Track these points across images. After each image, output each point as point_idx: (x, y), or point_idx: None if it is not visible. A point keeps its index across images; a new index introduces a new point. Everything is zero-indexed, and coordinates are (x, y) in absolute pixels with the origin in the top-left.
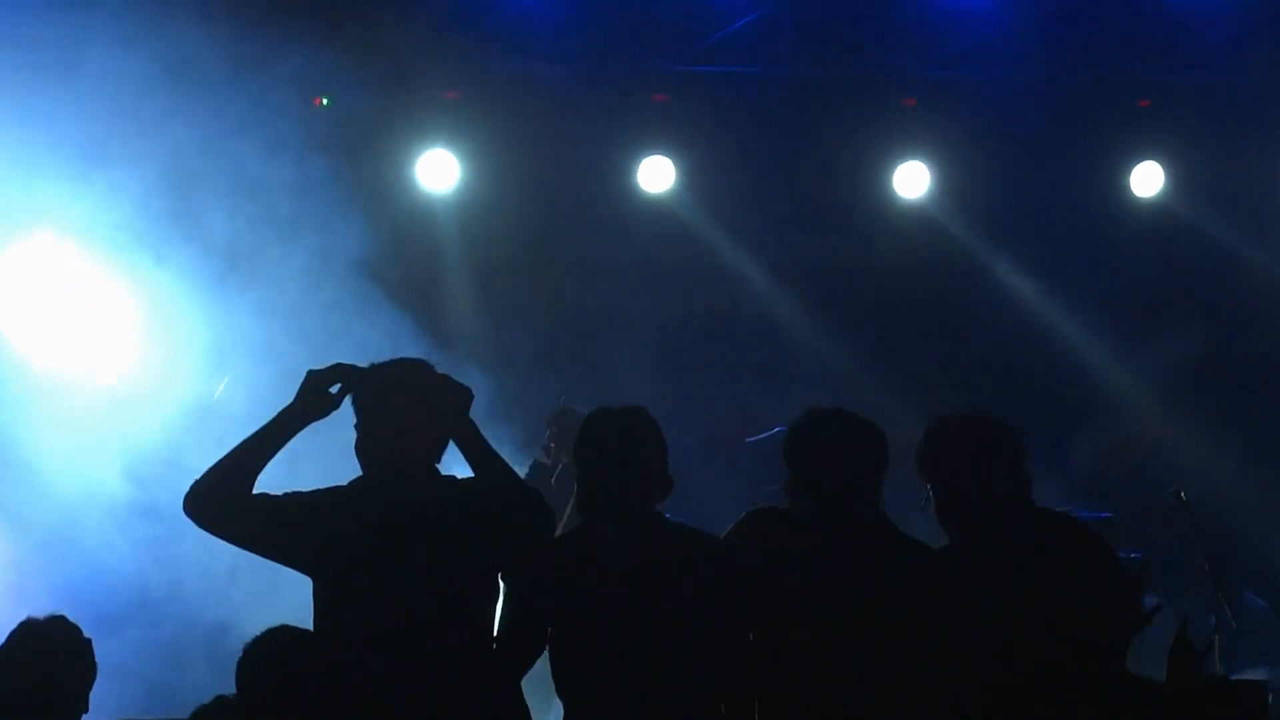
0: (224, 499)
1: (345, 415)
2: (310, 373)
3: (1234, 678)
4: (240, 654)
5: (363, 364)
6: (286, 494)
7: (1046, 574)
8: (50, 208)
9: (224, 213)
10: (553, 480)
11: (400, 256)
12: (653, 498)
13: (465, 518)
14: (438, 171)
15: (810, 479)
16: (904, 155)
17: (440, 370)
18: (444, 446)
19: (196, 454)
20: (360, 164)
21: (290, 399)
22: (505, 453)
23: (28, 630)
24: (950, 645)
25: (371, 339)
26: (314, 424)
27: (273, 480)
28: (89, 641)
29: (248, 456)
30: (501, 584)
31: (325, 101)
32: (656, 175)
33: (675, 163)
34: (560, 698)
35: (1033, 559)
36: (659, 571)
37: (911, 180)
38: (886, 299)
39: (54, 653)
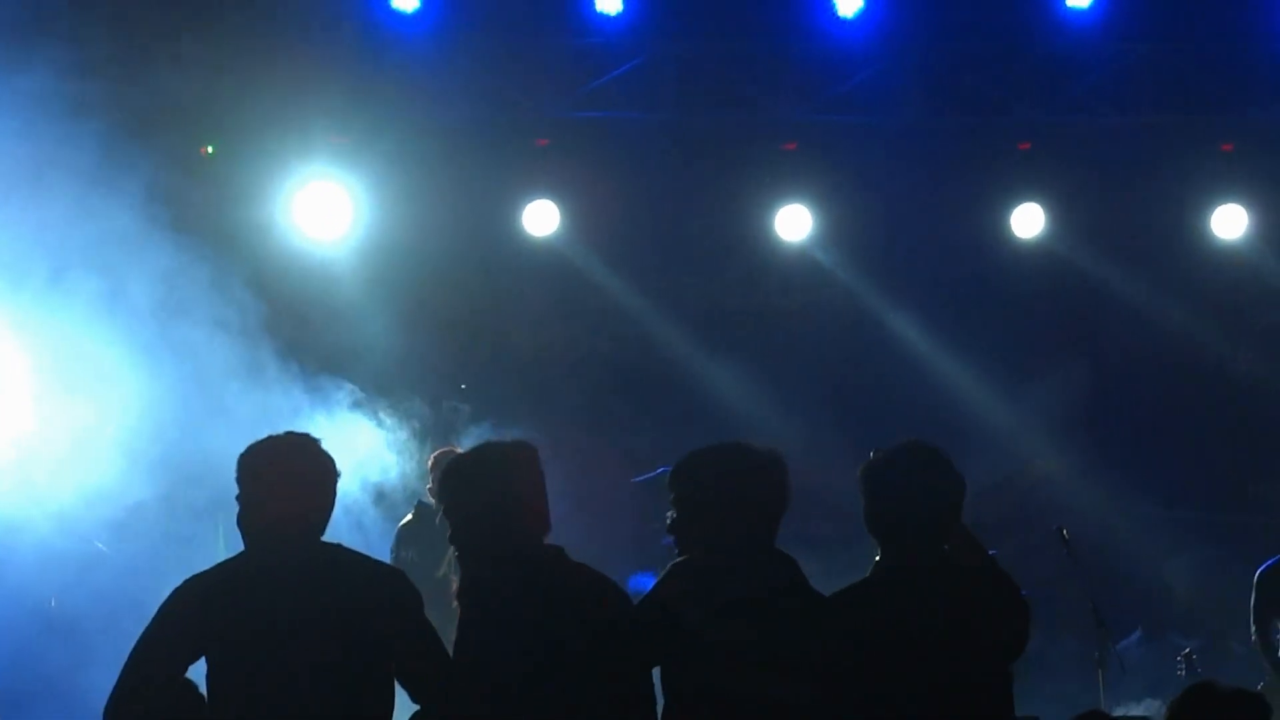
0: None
1: None
2: None
3: (1118, 713)
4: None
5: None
6: (173, 616)
7: (958, 608)
8: None
9: (98, 266)
10: (437, 520)
11: (288, 301)
12: (533, 532)
13: (347, 592)
14: (325, 216)
15: (701, 515)
16: (785, 198)
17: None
18: (327, 519)
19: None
20: (247, 209)
21: (164, 450)
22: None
23: None
24: (844, 690)
25: (258, 386)
26: None
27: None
28: None
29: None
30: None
31: (211, 150)
32: (541, 219)
33: (560, 206)
34: None
35: (947, 591)
36: (560, 611)
37: (793, 223)
38: (771, 340)
39: None
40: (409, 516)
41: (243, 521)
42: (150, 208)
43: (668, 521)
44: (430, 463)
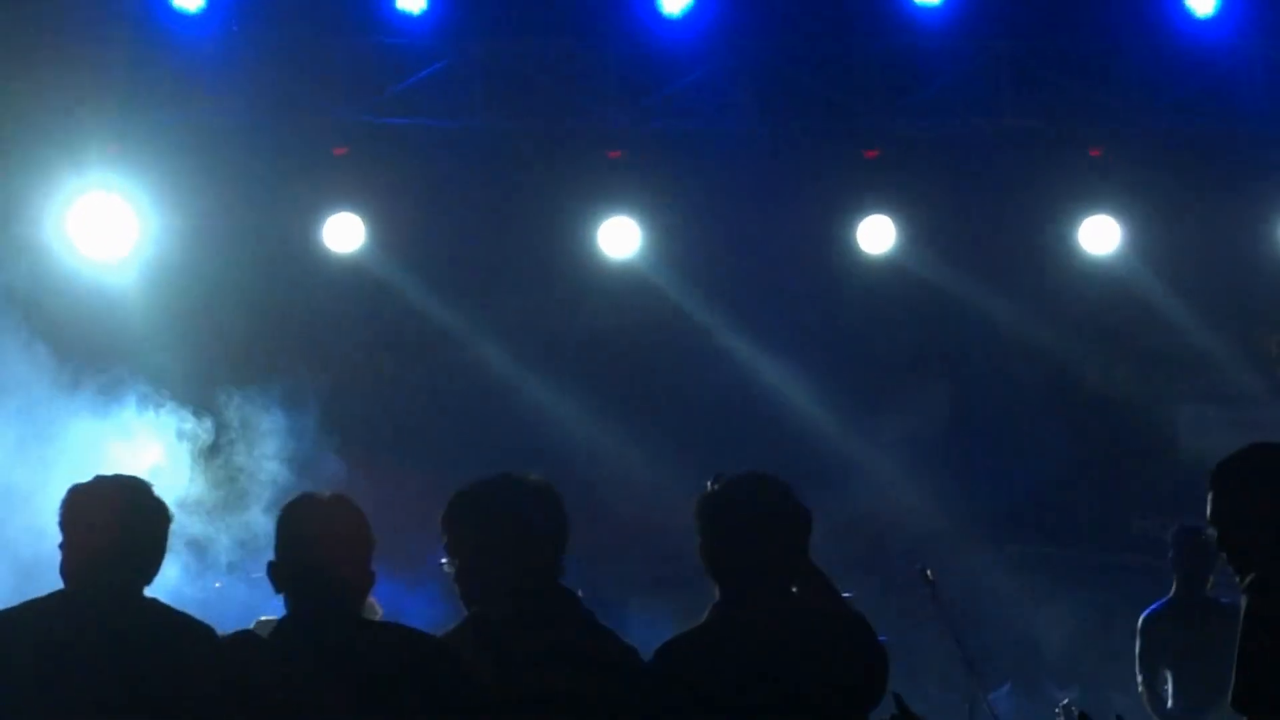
0: None
1: None
2: None
3: None
4: None
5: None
6: None
7: (807, 655)
8: None
9: None
10: None
11: (64, 324)
12: (359, 593)
13: (158, 644)
14: (105, 232)
15: (481, 561)
16: (610, 211)
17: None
18: (153, 570)
19: None
20: (17, 225)
21: None
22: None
23: None
24: None
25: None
26: None
27: None
28: None
29: None
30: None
31: None
32: (344, 234)
33: (364, 220)
34: None
35: (795, 636)
36: (364, 677)
37: (619, 237)
38: (597, 363)
39: None
40: None
41: (61, 566)
42: None
43: (447, 571)
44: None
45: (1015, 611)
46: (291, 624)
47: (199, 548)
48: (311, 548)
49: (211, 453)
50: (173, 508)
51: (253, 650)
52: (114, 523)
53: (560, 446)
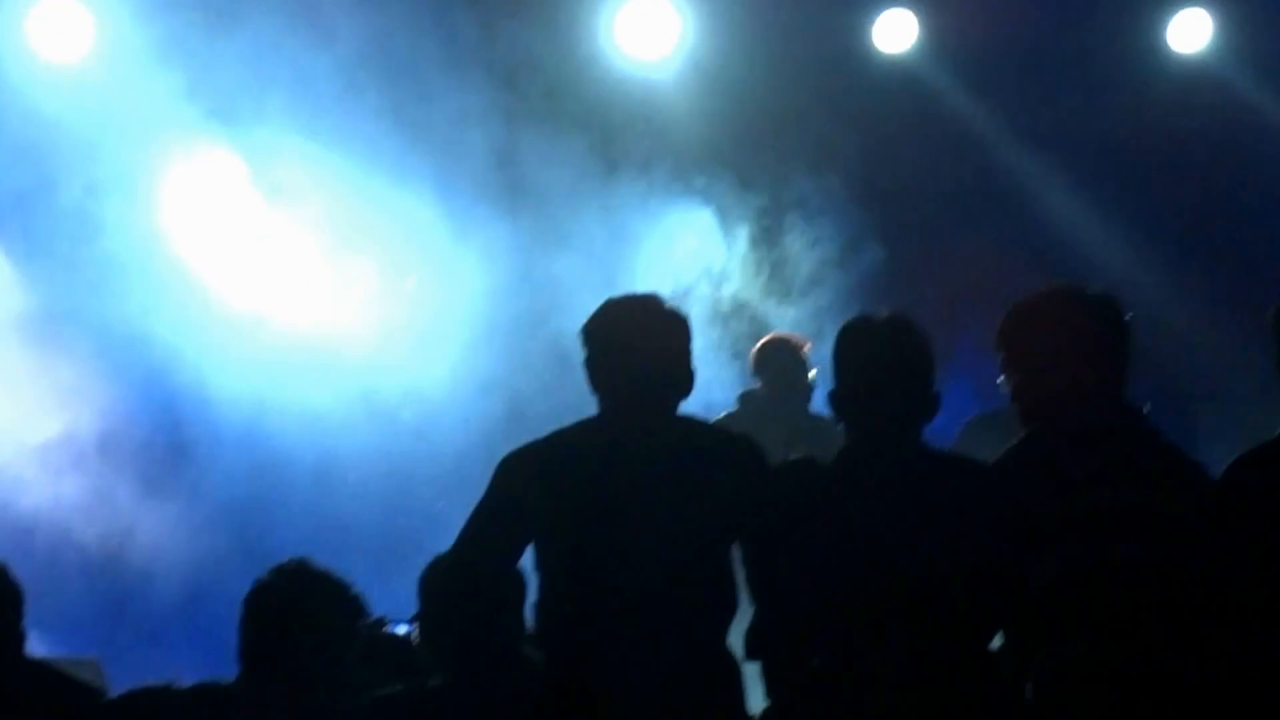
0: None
1: None
2: None
3: None
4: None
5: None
6: (503, 490)
7: None
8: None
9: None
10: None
11: (604, 118)
12: (917, 419)
13: (707, 464)
14: (645, 29)
15: (1043, 375)
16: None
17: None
18: (686, 386)
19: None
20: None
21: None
22: None
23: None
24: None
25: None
26: None
27: None
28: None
29: None
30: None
31: None
32: (895, 31)
33: (916, 17)
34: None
35: None
36: (927, 506)
37: (1190, 31)
38: (1160, 171)
39: None
40: (732, 410)
41: (598, 388)
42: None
43: (1004, 391)
44: (754, 352)
45: None
46: (853, 451)
47: (740, 351)
48: (870, 374)
49: (755, 241)
50: (714, 300)
51: (811, 472)
52: (642, 342)
53: (1108, 260)
